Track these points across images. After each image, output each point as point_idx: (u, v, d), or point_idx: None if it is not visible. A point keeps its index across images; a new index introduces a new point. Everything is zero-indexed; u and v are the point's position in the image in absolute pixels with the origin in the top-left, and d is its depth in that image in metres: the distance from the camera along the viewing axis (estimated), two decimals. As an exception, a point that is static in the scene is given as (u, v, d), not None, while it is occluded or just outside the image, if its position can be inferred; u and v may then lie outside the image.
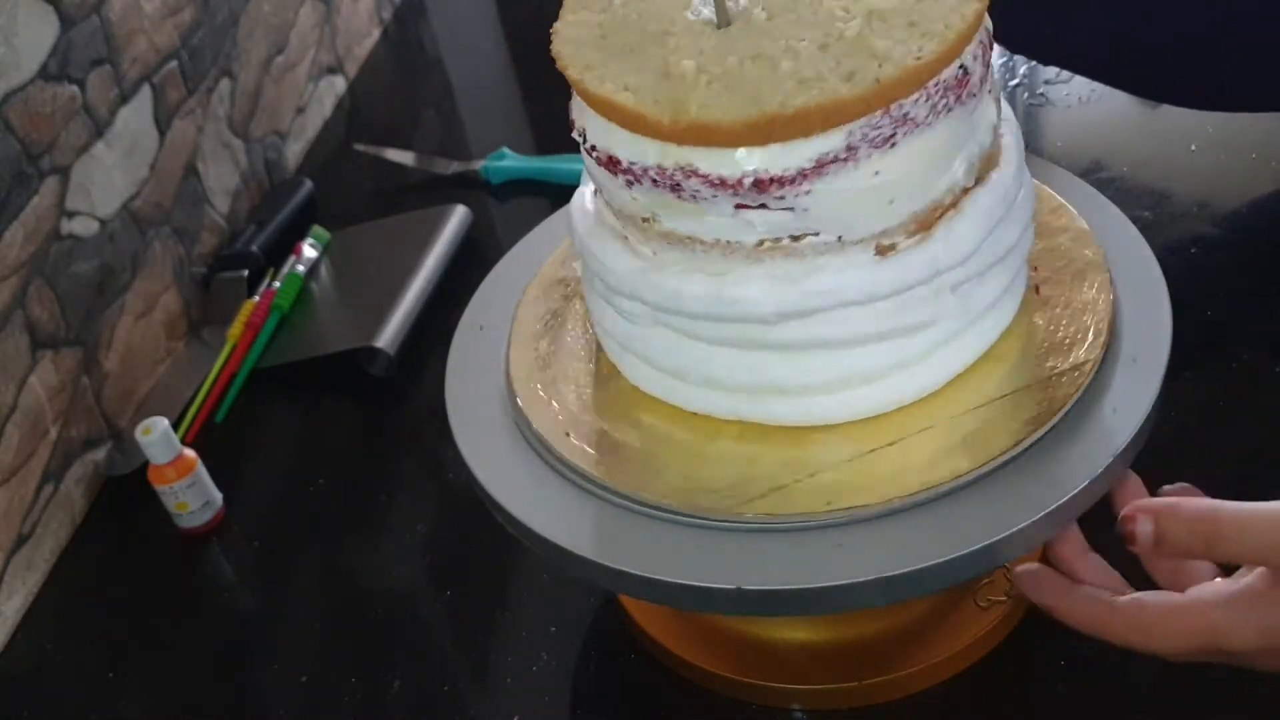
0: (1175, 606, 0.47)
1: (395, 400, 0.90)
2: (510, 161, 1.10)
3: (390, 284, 0.96)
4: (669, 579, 0.51)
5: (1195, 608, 0.47)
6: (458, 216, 1.03)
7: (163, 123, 0.98)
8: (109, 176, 0.90)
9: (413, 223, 1.04)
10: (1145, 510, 0.48)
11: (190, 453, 0.80)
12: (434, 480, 0.82)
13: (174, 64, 0.99)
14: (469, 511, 0.77)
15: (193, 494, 0.79)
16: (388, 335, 0.91)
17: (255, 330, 0.94)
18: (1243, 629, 0.46)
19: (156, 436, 0.78)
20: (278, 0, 1.16)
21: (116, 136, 0.91)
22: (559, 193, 1.07)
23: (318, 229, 1.04)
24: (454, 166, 1.12)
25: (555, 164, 1.09)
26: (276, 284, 0.98)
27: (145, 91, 0.95)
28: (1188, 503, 0.48)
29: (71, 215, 0.86)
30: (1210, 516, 0.47)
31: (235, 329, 0.95)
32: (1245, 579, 0.47)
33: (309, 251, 1.02)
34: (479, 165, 1.11)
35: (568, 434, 0.57)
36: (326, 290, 1.00)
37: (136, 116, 0.94)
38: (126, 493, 0.86)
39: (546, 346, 0.63)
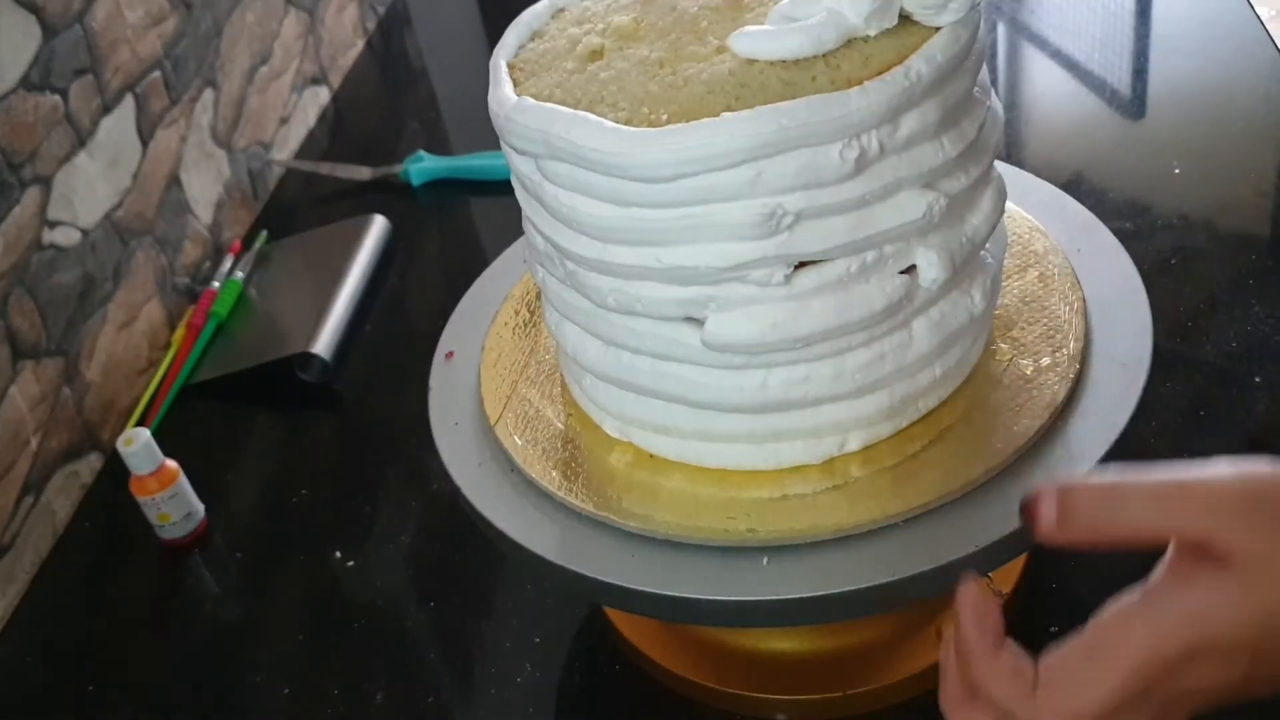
0: (1087, 643, 0.39)
1: (377, 411, 0.90)
2: (429, 163, 1.12)
3: (319, 294, 0.97)
4: (661, 591, 0.52)
5: (1110, 629, 0.39)
6: (376, 227, 1.05)
7: (145, 133, 0.97)
8: (91, 186, 0.90)
9: (334, 235, 1.06)
10: (1046, 491, 0.41)
11: (172, 464, 0.79)
12: (418, 491, 0.81)
13: (157, 74, 0.99)
14: (453, 522, 0.77)
15: (174, 505, 0.79)
16: (322, 341, 0.92)
17: (196, 334, 0.96)
18: (1167, 628, 0.38)
19: (138, 447, 0.78)
20: (262, 10, 1.16)
21: (99, 146, 0.91)
22: (479, 189, 1.10)
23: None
24: (372, 172, 1.14)
25: (472, 161, 1.12)
26: (215, 284, 1.00)
27: (128, 101, 0.95)
28: (1085, 479, 0.41)
29: (53, 225, 0.86)
30: (1110, 484, 0.40)
31: (177, 335, 0.96)
32: (1150, 577, 0.40)
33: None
34: (398, 169, 1.13)
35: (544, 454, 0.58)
36: (258, 301, 1.01)
37: (119, 126, 0.94)
38: (108, 504, 0.85)
39: (522, 365, 0.63)
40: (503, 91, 0.52)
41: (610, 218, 0.49)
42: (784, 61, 0.48)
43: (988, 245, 0.55)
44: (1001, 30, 1.17)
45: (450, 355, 0.66)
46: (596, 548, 0.54)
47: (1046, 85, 1.10)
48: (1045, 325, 0.58)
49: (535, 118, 0.49)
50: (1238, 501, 0.39)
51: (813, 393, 0.52)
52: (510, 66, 0.54)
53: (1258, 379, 0.74)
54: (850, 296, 0.50)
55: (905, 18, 0.49)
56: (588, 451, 0.58)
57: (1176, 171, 0.93)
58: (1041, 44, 1.14)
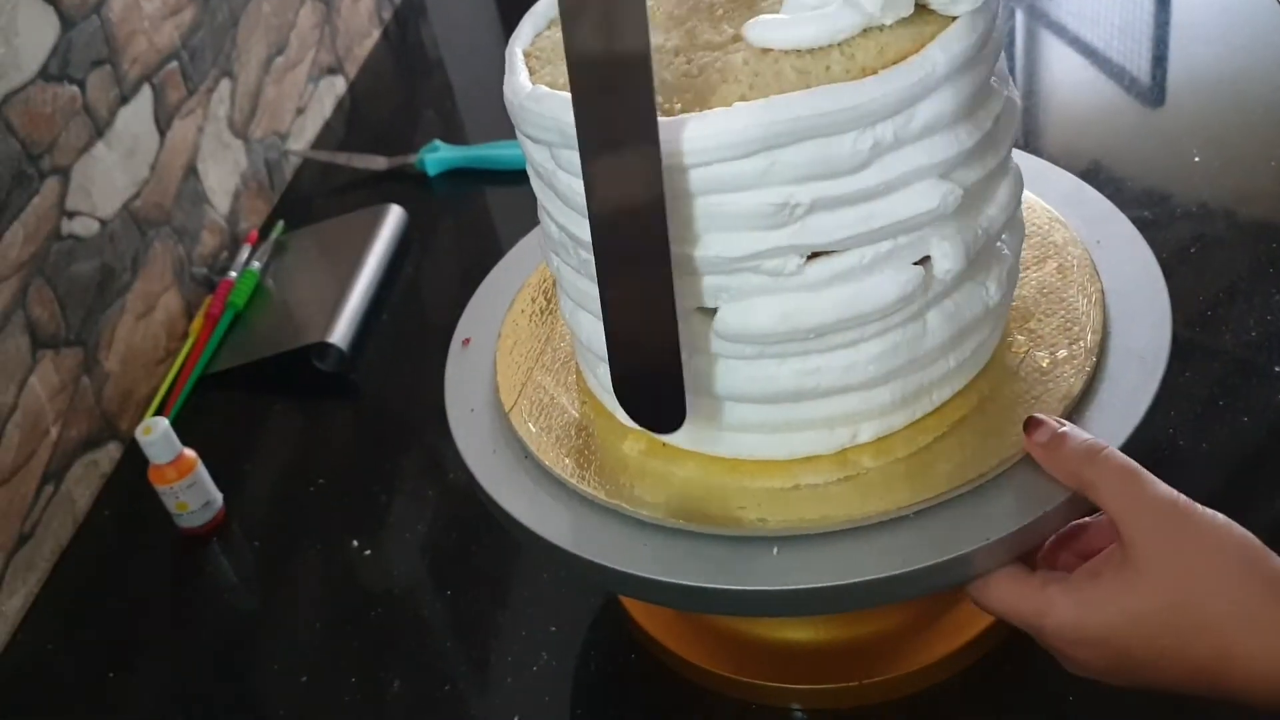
0: (1023, 579, 0.49)
1: (394, 400, 0.90)
2: (444, 152, 1.12)
3: (335, 284, 0.98)
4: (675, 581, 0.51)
5: (1038, 582, 0.49)
6: (393, 216, 1.05)
7: (163, 123, 0.98)
8: (109, 177, 0.90)
9: (350, 225, 1.06)
10: (1050, 425, 0.50)
11: (190, 453, 0.80)
12: (434, 480, 0.82)
13: (174, 64, 0.99)
14: (469, 512, 0.77)
15: (193, 494, 0.79)
16: (339, 331, 0.92)
17: (214, 323, 0.96)
18: (1063, 601, 0.47)
19: (157, 436, 0.78)
20: (278, 1, 1.17)
21: (117, 137, 0.91)
22: (494, 178, 1.11)
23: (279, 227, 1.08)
24: (388, 162, 1.14)
25: (488, 151, 1.12)
26: (233, 274, 1.00)
27: (145, 92, 0.96)
28: (1083, 433, 0.50)
29: (72, 215, 0.86)
30: (1097, 448, 0.48)
31: (195, 324, 0.97)
32: (1093, 560, 0.48)
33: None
34: (414, 159, 1.13)
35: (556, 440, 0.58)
36: (275, 291, 1.02)
37: (137, 117, 0.94)
38: (127, 493, 0.86)
39: (538, 352, 0.64)
40: (518, 80, 0.52)
41: None
42: (799, 51, 0.48)
43: (1004, 236, 0.54)
44: (1020, 17, 1.16)
45: (467, 342, 0.66)
46: (608, 536, 0.54)
47: (1065, 73, 1.09)
48: (1063, 317, 0.57)
49: (549, 106, 0.49)
50: (1158, 508, 0.46)
51: (825, 383, 0.52)
52: (526, 55, 0.54)
53: (1277, 368, 0.73)
54: (863, 287, 0.50)
55: (922, 6, 0.49)
56: (601, 440, 0.58)
57: (1196, 160, 0.92)
58: (1060, 31, 1.13)
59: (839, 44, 0.48)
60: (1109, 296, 0.58)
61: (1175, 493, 0.47)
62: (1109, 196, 0.64)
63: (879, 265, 0.50)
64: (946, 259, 0.51)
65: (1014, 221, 0.55)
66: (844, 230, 0.48)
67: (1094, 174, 0.92)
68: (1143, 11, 1.12)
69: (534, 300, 0.67)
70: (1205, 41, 1.06)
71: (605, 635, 0.68)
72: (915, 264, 0.51)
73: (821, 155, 0.46)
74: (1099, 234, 0.61)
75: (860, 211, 0.48)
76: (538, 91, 0.50)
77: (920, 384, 0.54)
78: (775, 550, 0.51)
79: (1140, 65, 1.05)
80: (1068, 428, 0.50)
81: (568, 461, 0.57)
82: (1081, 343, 0.56)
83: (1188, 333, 0.76)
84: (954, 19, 0.48)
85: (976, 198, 0.52)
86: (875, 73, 0.47)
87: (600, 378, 0.58)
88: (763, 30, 0.49)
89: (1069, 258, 0.60)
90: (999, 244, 0.54)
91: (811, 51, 0.48)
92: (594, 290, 0.53)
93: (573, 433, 0.59)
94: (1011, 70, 1.09)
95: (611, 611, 0.69)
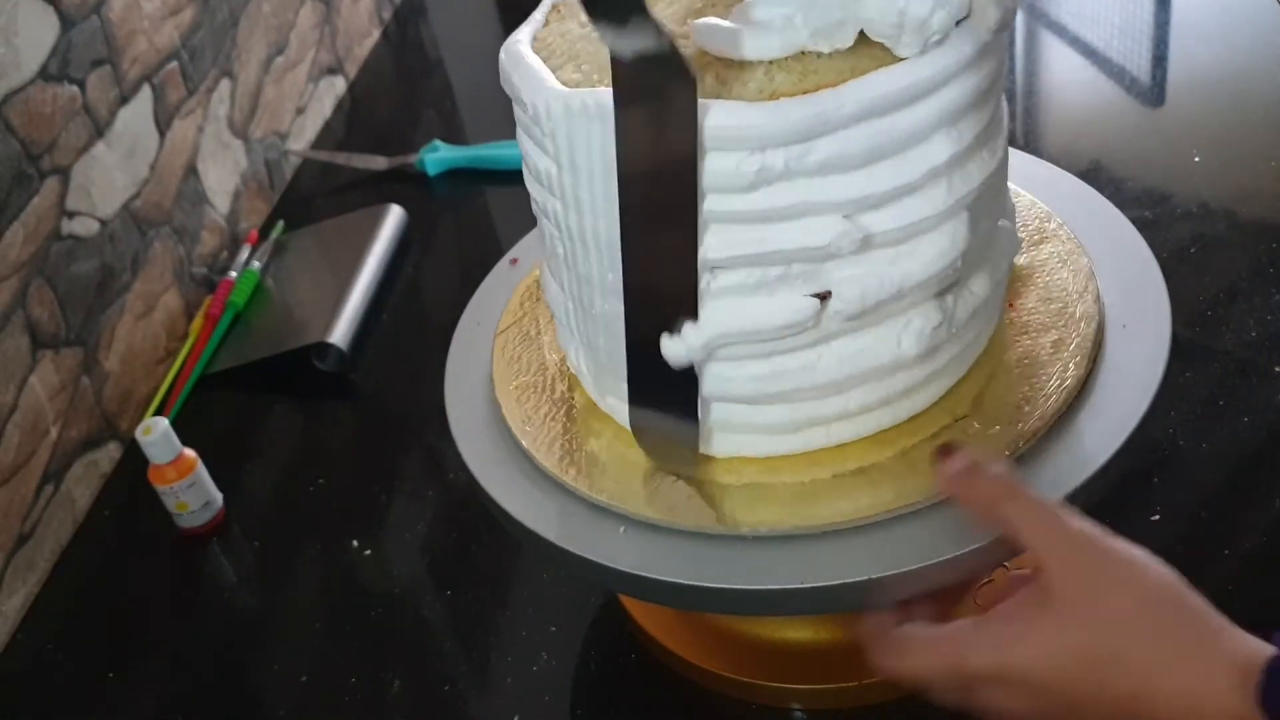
0: (934, 632, 0.47)
1: (394, 400, 0.90)
2: (444, 152, 1.12)
3: (335, 284, 0.98)
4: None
5: (950, 630, 0.47)
6: (393, 216, 1.05)
7: (163, 123, 0.98)
8: (109, 177, 0.90)
9: (350, 225, 1.06)
10: (965, 454, 0.48)
11: (190, 453, 0.80)
12: (434, 480, 0.82)
13: (174, 64, 0.99)
14: (469, 512, 0.77)
15: (193, 494, 0.79)
16: (339, 331, 0.92)
17: (214, 323, 0.96)
18: (980, 643, 0.45)
19: (157, 436, 0.78)
20: (278, 1, 1.17)
21: (117, 137, 0.91)
22: (494, 178, 1.11)
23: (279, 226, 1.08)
24: (388, 162, 1.14)
25: (488, 151, 1.12)
26: (233, 274, 1.00)
27: (145, 92, 0.96)
28: (1000, 467, 0.48)
29: (72, 215, 0.86)
30: (1013, 484, 0.47)
31: (195, 324, 0.97)
32: (1010, 600, 0.47)
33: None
34: (414, 159, 1.13)
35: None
36: (275, 291, 1.02)
37: (136, 117, 0.94)
38: (127, 493, 0.86)
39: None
40: (518, 33, 0.53)
41: (546, 171, 0.50)
42: (729, 61, 0.47)
43: (947, 297, 0.51)
44: (1020, 17, 1.16)
45: (515, 261, 0.69)
46: (517, 476, 0.56)
47: (1065, 72, 1.09)
48: (1022, 396, 0.54)
49: (508, 62, 0.51)
50: (1077, 543, 0.45)
51: (706, 388, 0.52)
52: (554, 7, 0.56)
53: (1277, 368, 0.73)
54: (747, 306, 0.49)
55: (877, 43, 0.46)
56: (552, 384, 0.60)
57: (1196, 160, 0.92)
58: (1060, 31, 1.13)
59: (769, 62, 0.47)
60: (1107, 305, 0.57)
61: (1094, 528, 0.45)
62: (1109, 196, 0.64)
63: (768, 288, 0.49)
64: (841, 300, 0.49)
65: (963, 281, 0.52)
66: (732, 248, 0.48)
67: (1094, 174, 0.92)
68: (1143, 11, 1.12)
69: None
70: (1205, 41, 1.06)
71: (605, 635, 0.68)
72: (813, 296, 0.49)
73: (707, 169, 0.46)
74: (1097, 234, 0.61)
75: (751, 233, 0.48)
76: (509, 48, 0.52)
77: (811, 415, 0.52)
78: (622, 530, 0.53)
79: (1140, 65, 1.05)
80: (984, 463, 0.48)
81: (514, 397, 0.59)
82: (1021, 425, 0.52)
83: (1188, 333, 0.76)
84: (899, 60, 0.46)
85: (891, 246, 0.49)
86: (780, 98, 0.45)
87: (557, 324, 0.61)
88: (703, 33, 0.48)
89: (1072, 334, 0.56)
90: (932, 301, 0.51)
91: (742, 64, 0.47)
92: (546, 242, 0.55)
93: (533, 368, 0.61)
94: (1011, 70, 1.09)
95: (611, 611, 0.69)
